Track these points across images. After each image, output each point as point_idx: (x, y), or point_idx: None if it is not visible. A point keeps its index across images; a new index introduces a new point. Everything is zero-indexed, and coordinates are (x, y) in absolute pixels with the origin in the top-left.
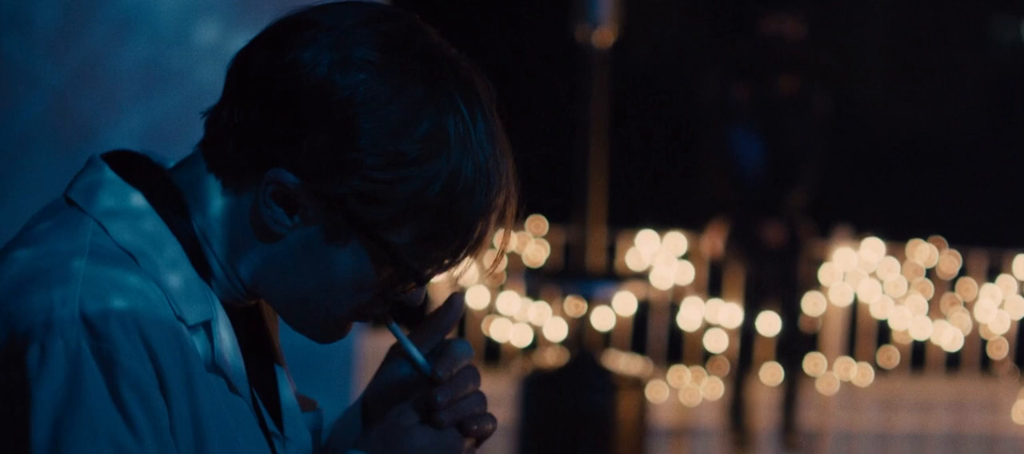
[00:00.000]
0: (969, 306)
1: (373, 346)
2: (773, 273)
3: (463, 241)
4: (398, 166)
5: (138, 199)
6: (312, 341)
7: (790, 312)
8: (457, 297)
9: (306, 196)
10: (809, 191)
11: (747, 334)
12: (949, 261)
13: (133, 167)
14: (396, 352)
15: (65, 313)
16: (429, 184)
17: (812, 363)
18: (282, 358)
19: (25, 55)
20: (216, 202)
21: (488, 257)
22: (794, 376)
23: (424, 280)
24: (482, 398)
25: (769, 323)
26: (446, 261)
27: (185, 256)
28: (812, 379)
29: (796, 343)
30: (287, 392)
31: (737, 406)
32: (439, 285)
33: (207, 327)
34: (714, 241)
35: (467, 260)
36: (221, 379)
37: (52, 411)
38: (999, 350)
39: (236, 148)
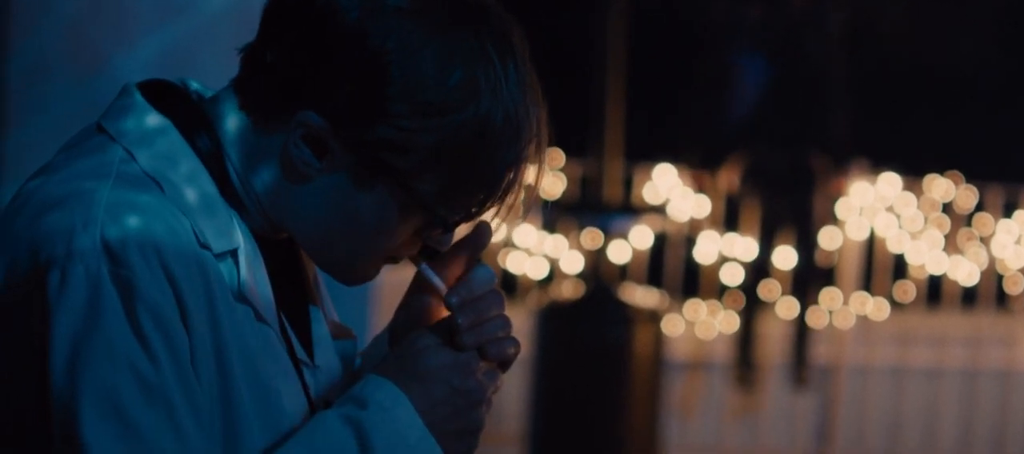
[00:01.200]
0: (985, 241)
1: (392, 278)
2: (787, 206)
3: (491, 190)
4: (427, 115)
5: (167, 127)
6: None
7: (804, 246)
8: (485, 226)
9: (335, 140)
10: (824, 122)
11: (762, 268)
12: (966, 196)
13: (167, 96)
14: (420, 281)
15: (86, 239)
16: (458, 133)
17: (828, 297)
18: (317, 291)
19: None
20: (247, 138)
21: (514, 204)
22: (805, 311)
23: (451, 227)
24: (506, 322)
25: (784, 257)
26: (474, 209)
27: (214, 185)
28: (824, 313)
29: (808, 277)
30: (320, 323)
31: (746, 341)
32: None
33: (234, 255)
34: (730, 175)
35: (495, 208)
36: (248, 308)
37: (71, 335)
38: (1015, 285)
39: (268, 88)
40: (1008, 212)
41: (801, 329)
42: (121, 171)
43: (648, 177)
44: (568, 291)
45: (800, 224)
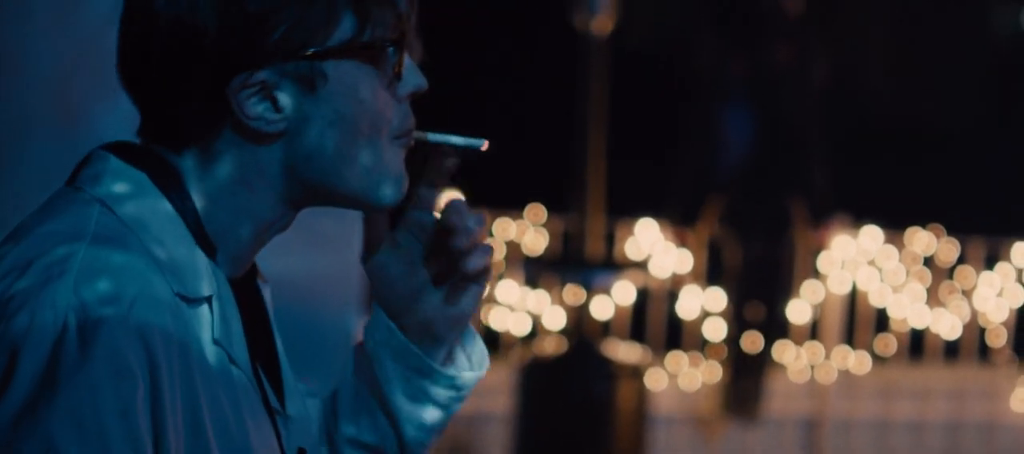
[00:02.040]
0: (967, 294)
1: None
2: (762, 258)
3: None
4: None
5: (142, 180)
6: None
7: (771, 301)
8: (440, 163)
9: (267, 79)
10: (807, 172)
11: (739, 319)
12: (947, 249)
13: (134, 154)
14: (408, 224)
15: (60, 301)
16: None
17: (810, 351)
18: (278, 337)
19: (22, 42)
20: (208, 169)
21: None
22: (763, 357)
23: (398, 44)
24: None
25: (755, 311)
26: (396, 15)
27: (188, 232)
28: (805, 368)
29: (772, 328)
30: (288, 369)
31: (738, 374)
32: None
33: (209, 301)
34: (710, 223)
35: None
36: (223, 353)
37: (29, 386)
38: (998, 338)
39: (187, 108)
40: (990, 265)
41: (756, 368)
42: (99, 228)
43: (630, 232)
44: (551, 347)
45: (775, 273)
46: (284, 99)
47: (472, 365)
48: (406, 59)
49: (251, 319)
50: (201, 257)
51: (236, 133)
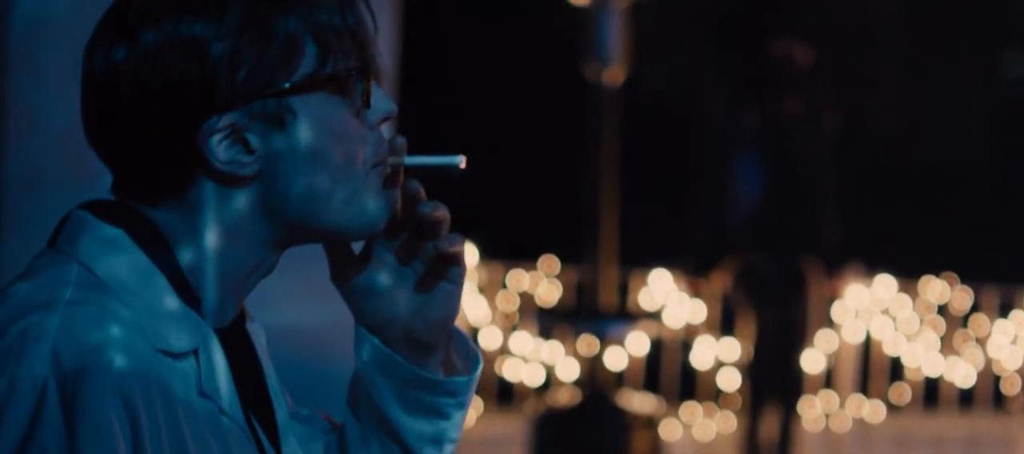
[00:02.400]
0: (982, 342)
1: None
2: (776, 320)
3: (334, 13)
4: (250, 38)
5: (121, 237)
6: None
7: (787, 358)
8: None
9: (238, 122)
10: (819, 223)
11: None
12: (961, 297)
13: (110, 211)
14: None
15: (37, 362)
16: (270, 13)
17: (824, 400)
18: (274, 379)
19: (36, 97)
20: (186, 216)
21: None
22: (789, 420)
23: (363, 72)
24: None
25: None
26: (358, 43)
27: (169, 286)
28: (820, 417)
29: (791, 387)
30: (282, 409)
31: (753, 442)
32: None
33: (195, 355)
34: (724, 278)
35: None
36: (211, 405)
37: (8, 449)
38: (1012, 386)
39: (159, 161)
40: (1004, 313)
41: (784, 437)
42: (77, 288)
43: (643, 282)
44: (565, 398)
45: (785, 334)
46: (254, 140)
47: (464, 368)
48: (374, 86)
49: (242, 365)
50: (183, 310)
51: (211, 179)
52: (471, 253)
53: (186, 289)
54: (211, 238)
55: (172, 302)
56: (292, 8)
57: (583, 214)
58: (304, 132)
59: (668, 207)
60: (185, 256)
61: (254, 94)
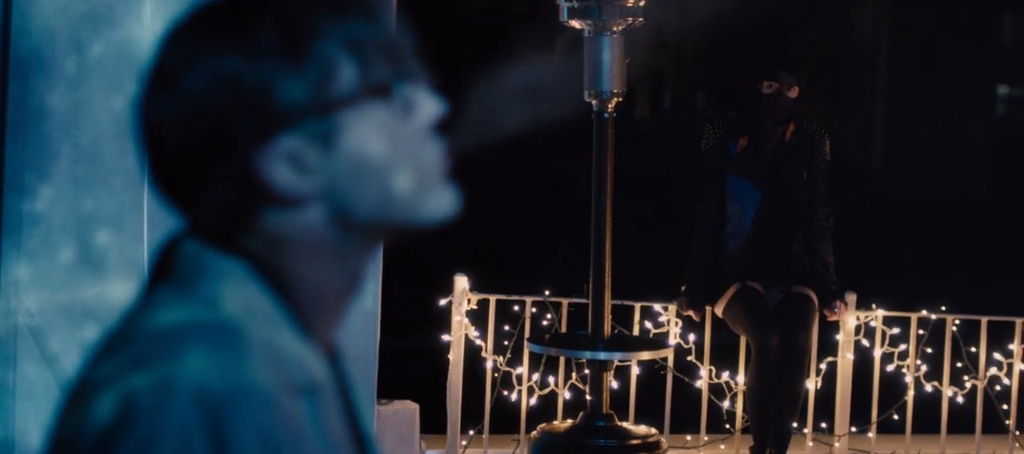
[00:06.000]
0: (977, 371)
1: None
2: (777, 342)
3: (363, 22)
4: (288, 56)
5: (239, 270)
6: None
7: (790, 385)
8: None
9: (285, 144)
10: (814, 252)
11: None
12: (957, 328)
13: (219, 244)
14: None
15: (179, 395)
16: (305, 37)
17: (822, 425)
18: (365, 415)
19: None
20: (269, 248)
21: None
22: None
23: (403, 78)
24: None
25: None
26: (394, 50)
27: (287, 319)
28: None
29: (793, 414)
30: (374, 447)
31: None
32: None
33: (315, 389)
34: (721, 308)
35: (385, 44)
36: (330, 441)
37: None
38: (1006, 414)
39: (227, 198)
40: (998, 343)
41: None
42: (210, 326)
43: (644, 309)
44: (564, 427)
45: (794, 357)
46: (308, 159)
47: None
48: (418, 89)
49: (343, 399)
50: (302, 343)
51: (278, 206)
52: (467, 280)
53: (297, 323)
54: (298, 265)
55: (290, 335)
56: (326, 28)
57: (581, 241)
58: (354, 144)
59: (666, 235)
60: (283, 289)
61: (301, 115)
